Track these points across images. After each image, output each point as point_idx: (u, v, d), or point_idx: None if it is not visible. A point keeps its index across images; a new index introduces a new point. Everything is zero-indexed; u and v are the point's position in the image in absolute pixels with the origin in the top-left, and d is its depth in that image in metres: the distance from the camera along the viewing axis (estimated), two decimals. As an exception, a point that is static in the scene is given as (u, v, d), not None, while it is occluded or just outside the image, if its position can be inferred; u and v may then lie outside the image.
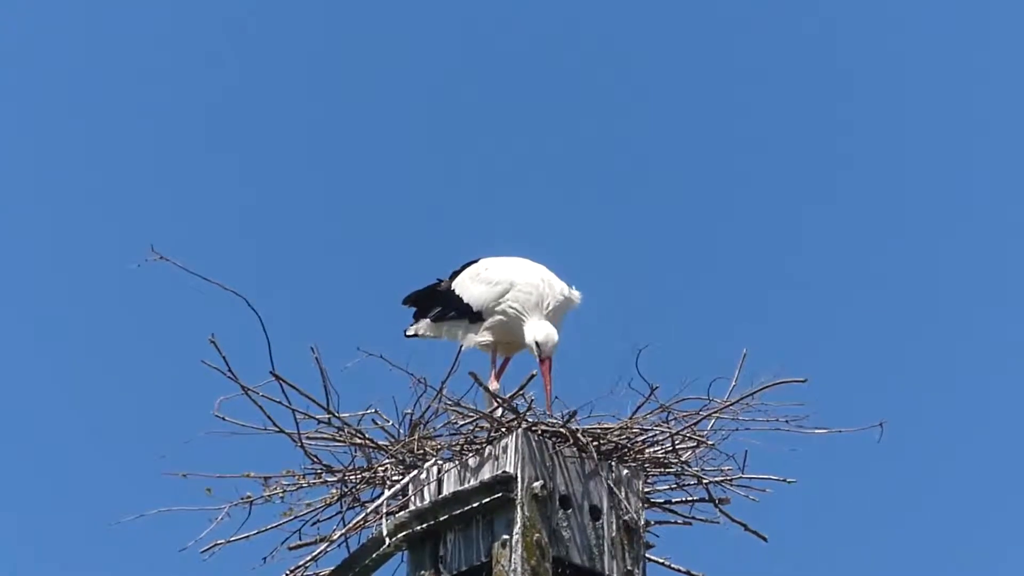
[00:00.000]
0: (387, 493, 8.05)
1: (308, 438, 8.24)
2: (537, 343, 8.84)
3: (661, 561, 8.32)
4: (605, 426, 8.19)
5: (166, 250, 8.00)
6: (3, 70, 18.81)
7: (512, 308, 9.01)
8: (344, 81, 19.59)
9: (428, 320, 9.45)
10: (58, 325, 17.26)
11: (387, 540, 7.86)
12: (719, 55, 19.87)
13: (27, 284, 17.79)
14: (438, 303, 9.40)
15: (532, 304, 8.99)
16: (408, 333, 9.58)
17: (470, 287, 9.22)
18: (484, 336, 9.12)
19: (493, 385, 8.94)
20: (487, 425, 8.02)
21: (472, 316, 9.19)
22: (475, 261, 9.41)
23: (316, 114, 19.25)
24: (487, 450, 7.87)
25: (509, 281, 9.09)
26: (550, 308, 8.99)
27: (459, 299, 9.23)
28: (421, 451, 8.12)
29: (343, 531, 8.15)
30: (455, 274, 9.45)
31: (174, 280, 7.99)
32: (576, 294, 9.16)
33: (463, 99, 19.52)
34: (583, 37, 19.74)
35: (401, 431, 8.22)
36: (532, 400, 7.97)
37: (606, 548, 7.85)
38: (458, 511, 7.80)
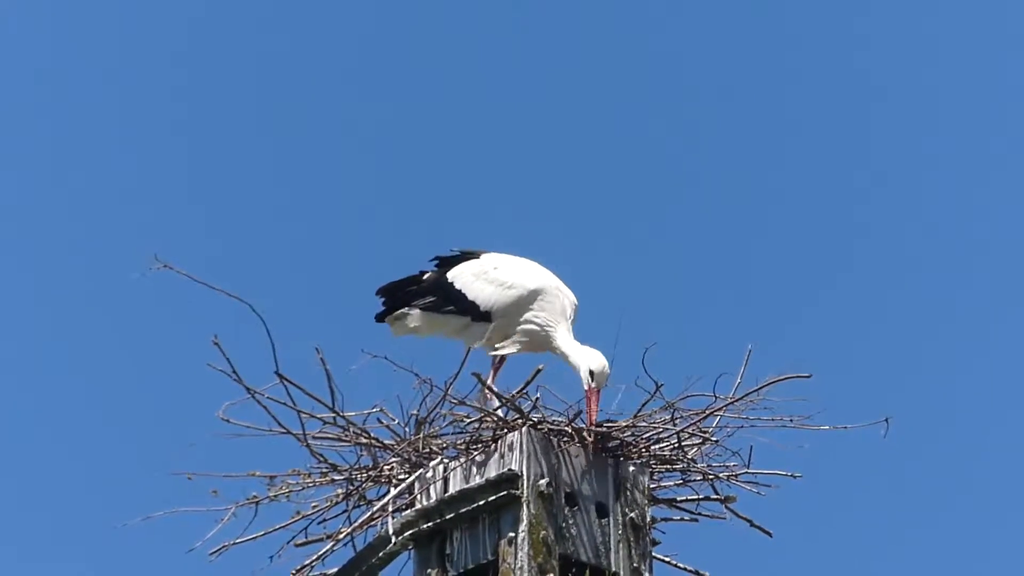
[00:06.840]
0: (393, 492, 8.07)
1: (314, 438, 8.23)
2: (592, 372, 8.46)
3: (667, 559, 8.33)
4: (611, 423, 8.21)
5: (169, 257, 8.00)
6: (4, 74, 18.85)
7: (539, 319, 8.83)
8: (347, 82, 19.62)
9: (419, 311, 9.04)
10: (65, 333, 17.29)
11: (393, 538, 7.88)
12: (700, 49, 19.88)
13: (34, 292, 17.81)
14: (430, 294, 9.03)
15: (558, 314, 8.86)
16: (392, 322, 9.12)
17: (476, 285, 8.93)
18: (507, 345, 8.91)
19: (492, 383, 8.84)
20: (492, 423, 8.02)
21: (477, 315, 8.91)
22: (472, 254, 9.12)
23: (319, 116, 19.27)
24: (493, 448, 7.88)
25: (525, 287, 8.84)
26: (570, 317, 8.84)
27: (461, 295, 8.92)
28: (427, 449, 8.12)
29: (349, 530, 8.16)
30: (445, 265, 9.10)
31: (178, 287, 8.00)
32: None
33: (465, 99, 19.53)
34: (584, 28, 19.75)
35: (407, 430, 8.23)
36: (537, 399, 7.98)
37: (612, 545, 7.85)
38: (464, 509, 7.81)
